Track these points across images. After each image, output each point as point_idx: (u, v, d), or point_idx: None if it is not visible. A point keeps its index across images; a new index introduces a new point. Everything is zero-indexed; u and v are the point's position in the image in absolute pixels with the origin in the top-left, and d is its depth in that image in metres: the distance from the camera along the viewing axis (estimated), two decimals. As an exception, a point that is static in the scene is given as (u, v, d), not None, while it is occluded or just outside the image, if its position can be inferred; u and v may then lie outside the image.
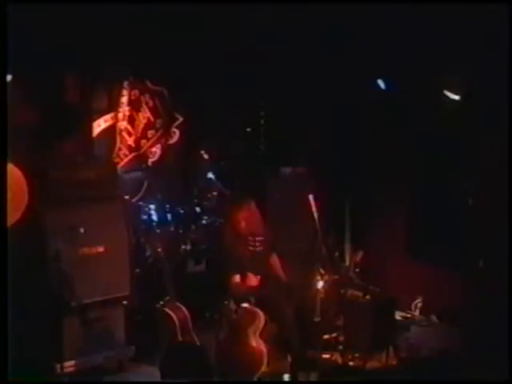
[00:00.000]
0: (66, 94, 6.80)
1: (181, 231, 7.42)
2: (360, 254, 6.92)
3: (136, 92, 7.48)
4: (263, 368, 5.65)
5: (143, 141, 7.60)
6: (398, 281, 6.95)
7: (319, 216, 6.09)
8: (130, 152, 7.50)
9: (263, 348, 5.69)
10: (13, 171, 5.05)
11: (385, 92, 7.00)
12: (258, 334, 5.73)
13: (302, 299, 6.29)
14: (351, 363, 6.10)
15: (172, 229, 7.36)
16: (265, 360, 5.65)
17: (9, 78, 5.41)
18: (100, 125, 7.23)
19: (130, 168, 7.47)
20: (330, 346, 6.33)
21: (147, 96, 7.59)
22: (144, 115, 7.58)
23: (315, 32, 6.82)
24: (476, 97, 6.35)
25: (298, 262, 6.60)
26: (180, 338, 5.98)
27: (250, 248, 5.91)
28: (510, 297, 5.74)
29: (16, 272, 5.16)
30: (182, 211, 7.52)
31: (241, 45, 7.11)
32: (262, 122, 8.04)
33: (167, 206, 7.42)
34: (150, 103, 7.62)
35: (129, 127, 7.47)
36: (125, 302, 6.13)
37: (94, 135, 7.15)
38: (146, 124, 7.60)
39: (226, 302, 6.41)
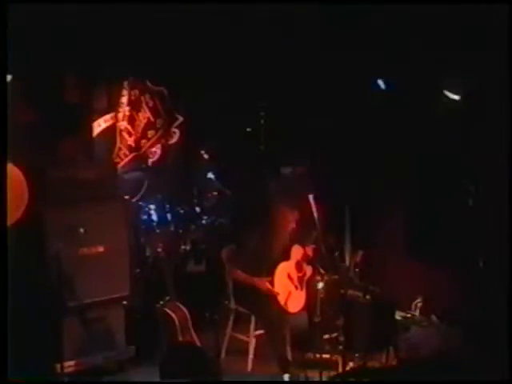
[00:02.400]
0: (66, 94, 6.79)
1: (181, 231, 7.43)
2: (360, 254, 6.91)
3: (136, 92, 7.48)
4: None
5: (143, 141, 7.60)
6: (398, 281, 6.94)
7: (319, 216, 6.09)
8: (130, 152, 7.50)
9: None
10: (13, 171, 5.05)
11: (385, 92, 7.00)
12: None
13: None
14: (351, 363, 6.10)
15: (172, 229, 7.37)
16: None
17: (9, 78, 5.41)
18: (100, 125, 7.23)
19: (130, 168, 7.47)
20: (330, 346, 6.33)
21: (147, 96, 7.59)
22: (144, 115, 7.58)
23: (315, 32, 6.82)
24: (476, 97, 6.35)
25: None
26: (180, 338, 5.98)
27: None
28: (510, 297, 5.74)
29: (16, 272, 5.16)
30: (182, 211, 7.52)
31: (241, 44, 7.11)
32: (262, 121, 8.05)
33: (167, 206, 7.43)
34: (150, 103, 7.62)
35: (129, 127, 7.47)
36: (125, 302, 6.13)
37: (94, 135, 7.15)
38: (146, 124, 7.61)
39: (226, 302, 6.43)
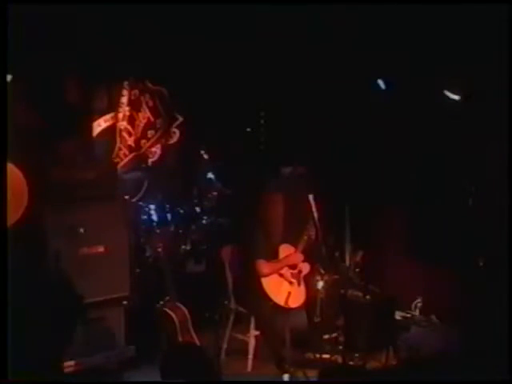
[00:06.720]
0: (66, 94, 6.79)
1: (181, 231, 7.43)
2: (360, 254, 6.92)
3: (136, 92, 7.47)
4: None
5: (143, 141, 7.59)
6: (398, 281, 6.95)
7: (319, 216, 6.09)
8: (130, 152, 7.50)
9: None
10: (13, 171, 5.05)
11: (385, 92, 7.00)
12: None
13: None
14: (351, 363, 6.10)
15: (172, 229, 7.37)
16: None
17: (9, 78, 5.41)
18: (100, 125, 7.22)
19: (130, 168, 7.46)
20: (330, 346, 6.33)
21: (147, 96, 7.58)
22: (144, 115, 7.57)
23: (315, 32, 6.82)
24: (476, 97, 6.35)
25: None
26: (180, 338, 5.99)
27: None
28: (510, 297, 5.74)
29: (16, 272, 5.16)
30: (181, 211, 7.52)
31: (241, 44, 7.11)
32: (262, 121, 8.04)
33: (167, 206, 7.43)
34: (150, 103, 7.61)
35: (129, 127, 7.46)
36: (125, 302, 6.13)
37: (94, 135, 7.14)
38: (146, 124, 7.60)
39: (226, 302, 6.44)
